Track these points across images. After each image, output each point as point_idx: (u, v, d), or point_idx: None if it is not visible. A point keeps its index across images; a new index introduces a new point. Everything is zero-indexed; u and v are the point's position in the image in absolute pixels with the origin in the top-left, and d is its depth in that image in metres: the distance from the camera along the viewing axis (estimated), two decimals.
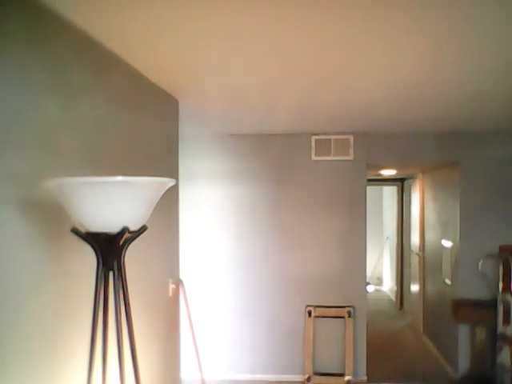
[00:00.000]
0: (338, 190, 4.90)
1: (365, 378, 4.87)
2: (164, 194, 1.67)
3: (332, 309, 4.85)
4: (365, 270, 4.96)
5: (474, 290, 4.76)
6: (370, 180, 5.74)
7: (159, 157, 3.02)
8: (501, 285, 4.57)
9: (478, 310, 4.57)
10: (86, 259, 1.67)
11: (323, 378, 4.83)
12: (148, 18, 1.92)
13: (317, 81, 2.91)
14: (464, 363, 4.80)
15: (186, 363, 4.61)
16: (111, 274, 1.61)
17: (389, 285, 9.52)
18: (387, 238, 9.53)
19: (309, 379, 4.79)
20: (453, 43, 2.20)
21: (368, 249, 5.18)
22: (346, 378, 4.73)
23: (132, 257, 1.75)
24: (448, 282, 5.19)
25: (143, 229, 1.61)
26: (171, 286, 3.23)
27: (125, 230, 1.52)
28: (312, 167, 4.92)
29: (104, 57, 2.23)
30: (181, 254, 3.54)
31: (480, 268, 4.39)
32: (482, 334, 4.55)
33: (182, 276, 3.80)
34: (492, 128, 4.59)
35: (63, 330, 1.86)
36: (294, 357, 4.95)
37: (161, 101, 3.07)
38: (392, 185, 8.49)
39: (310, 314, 4.85)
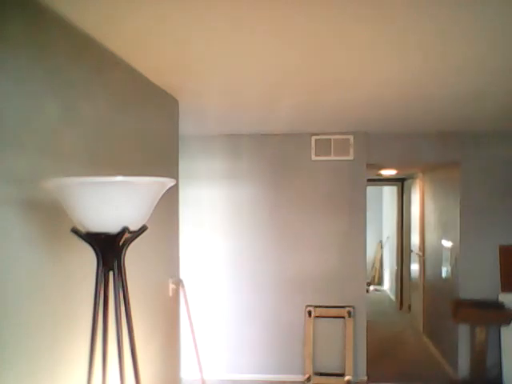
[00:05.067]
0: (337, 190, 4.90)
1: (365, 378, 4.87)
2: (164, 193, 1.67)
3: (332, 309, 4.85)
4: (365, 270, 4.96)
5: (474, 290, 4.76)
6: (369, 180, 5.75)
7: (159, 157, 3.02)
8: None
9: (478, 310, 4.57)
10: (86, 259, 1.67)
11: (323, 378, 4.82)
12: (148, 18, 1.92)
13: (317, 81, 2.91)
14: (464, 363, 4.80)
15: (186, 363, 4.61)
16: (111, 273, 1.61)
17: (389, 285, 9.52)
18: (387, 237, 9.52)
19: (309, 379, 4.79)
20: (453, 44, 2.20)
21: (368, 249, 5.18)
22: (346, 378, 4.73)
23: (132, 257, 1.75)
24: (448, 282, 5.19)
25: (143, 229, 1.61)
26: (171, 286, 3.23)
27: (125, 230, 1.52)
28: (312, 167, 4.92)
29: (104, 57, 2.23)
30: (181, 253, 3.54)
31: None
32: (481, 334, 4.55)
33: (182, 276, 3.80)
34: (492, 128, 4.59)
35: (63, 329, 1.86)
36: (294, 357, 4.95)
37: (161, 101, 3.07)
38: (392, 185, 8.48)
39: (310, 313, 4.85)
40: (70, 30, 1.91)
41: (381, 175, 7.09)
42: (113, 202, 1.50)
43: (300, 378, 4.90)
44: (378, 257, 10.00)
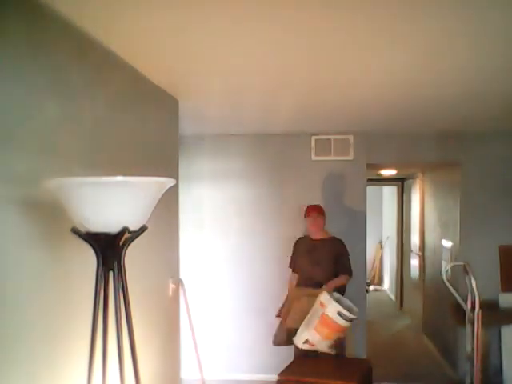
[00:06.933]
0: (338, 190, 4.89)
1: None
2: (164, 193, 1.67)
3: None
4: (365, 270, 4.95)
5: None
6: (369, 180, 5.74)
7: (159, 157, 3.02)
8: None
9: None
10: (86, 259, 1.67)
11: None
12: (149, 19, 1.92)
13: (317, 81, 2.91)
14: (464, 363, 4.79)
15: (186, 363, 4.61)
16: (111, 274, 1.62)
17: (389, 285, 9.52)
18: (387, 237, 9.53)
19: None
20: (453, 43, 2.20)
21: (368, 249, 5.17)
22: None
23: (132, 257, 1.75)
24: (448, 282, 5.18)
25: (143, 229, 1.61)
26: (171, 286, 3.23)
27: (125, 230, 1.53)
28: (312, 167, 4.91)
29: (104, 57, 2.23)
30: (181, 254, 3.54)
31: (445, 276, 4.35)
32: (482, 334, 4.54)
33: (182, 276, 3.80)
34: (492, 128, 4.58)
35: (63, 329, 1.86)
36: (294, 357, 4.94)
37: (161, 101, 3.07)
38: (392, 185, 8.48)
39: None
40: (70, 30, 1.91)
41: (381, 175, 7.09)
42: (113, 202, 1.50)
43: None
44: (378, 257, 10.00)
